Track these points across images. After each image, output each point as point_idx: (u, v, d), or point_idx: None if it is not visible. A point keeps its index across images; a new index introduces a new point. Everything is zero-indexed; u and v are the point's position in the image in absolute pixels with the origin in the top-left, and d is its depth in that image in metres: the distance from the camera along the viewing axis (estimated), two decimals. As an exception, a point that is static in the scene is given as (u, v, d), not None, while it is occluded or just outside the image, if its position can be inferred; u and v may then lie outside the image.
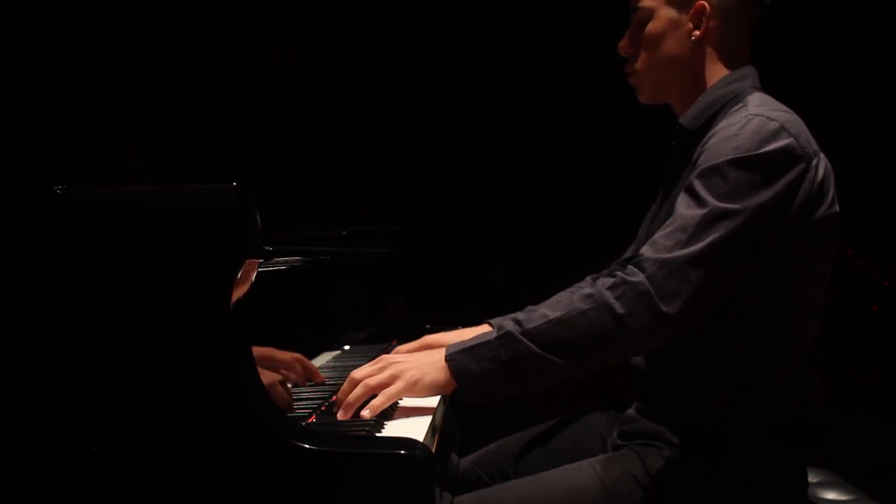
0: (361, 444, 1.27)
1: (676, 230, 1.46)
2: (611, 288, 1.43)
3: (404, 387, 1.45)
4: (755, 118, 1.53)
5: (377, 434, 1.38)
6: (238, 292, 1.27)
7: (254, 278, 1.32)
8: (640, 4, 1.71)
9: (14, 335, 1.27)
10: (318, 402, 1.62)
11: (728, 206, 1.45)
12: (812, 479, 1.84)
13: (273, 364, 1.74)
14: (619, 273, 1.46)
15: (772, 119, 1.52)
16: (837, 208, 1.58)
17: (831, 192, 1.57)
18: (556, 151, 3.93)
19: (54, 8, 1.77)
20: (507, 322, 1.47)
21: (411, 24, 3.87)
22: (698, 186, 1.49)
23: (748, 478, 1.56)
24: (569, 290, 1.53)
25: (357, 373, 1.50)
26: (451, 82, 3.94)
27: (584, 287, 1.48)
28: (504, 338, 1.44)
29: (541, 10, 3.82)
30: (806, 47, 4.04)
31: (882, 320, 4.31)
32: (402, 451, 1.21)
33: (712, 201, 1.46)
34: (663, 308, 1.40)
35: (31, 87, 1.76)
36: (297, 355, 1.77)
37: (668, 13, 1.68)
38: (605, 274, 2.02)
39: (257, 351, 1.66)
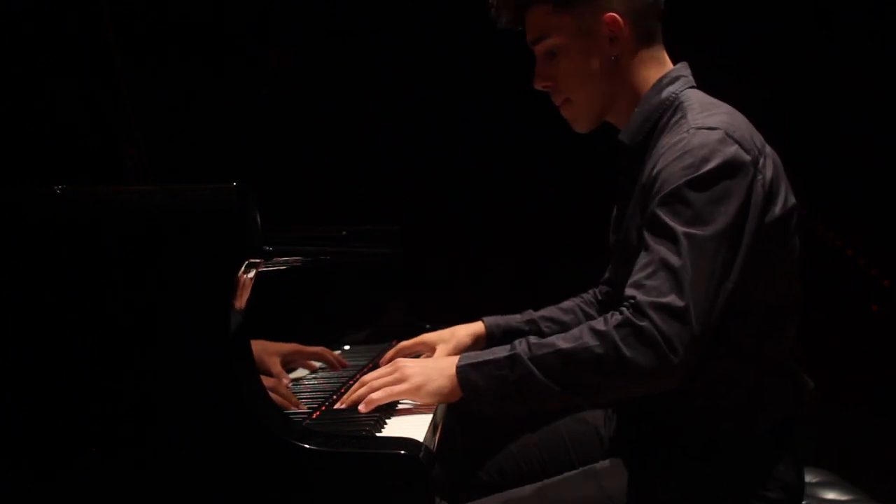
0: (361, 444, 1.27)
1: (660, 269, 1.40)
2: (618, 327, 1.39)
3: (408, 389, 1.49)
4: (698, 132, 1.48)
5: (377, 434, 1.38)
6: (238, 292, 1.27)
7: (254, 278, 1.32)
8: (544, 36, 1.63)
9: (14, 335, 1.27)
10: (319, 401, 1.63)
11: (699, 231, 1.41)
12: (812, 479, 1.84)
13: (302, 357, 1.90)
14: (626, 312, 1.40)
15: (714, 128, 1.48)
16: (794, 199, 1.55)
17: (784, 185, 1.55)
18: (556, 151, 3.92)
19: (54, 8, 1.77)
20: (520, 344, 1.46)
21: (411, 25, 3.86)
22: (664, 217, 1.44)
23: (746, 479, 1.56)
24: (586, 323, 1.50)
25: (368, 376, 1.55)
26: (452, 82, 3.94)
27: (595, 322, 1.44)
28: (512, 359, 1.44)
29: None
30: (809, 48, 4.04)
31: (882, 320, 4.31)
32: (403, 452, 1.21)
33: (682, 230, 1.41)
34: (670, 356, 1.36)
35: (31, 87, 1.76)
36: (321, 348, 1.93)
37: (577, 35, 1.61)
38: (599, 292, 2.03)
39: (284, 346, 1.79)
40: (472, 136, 3.99)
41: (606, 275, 2.02)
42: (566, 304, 2.04)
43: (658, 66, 1.65)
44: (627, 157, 1.67)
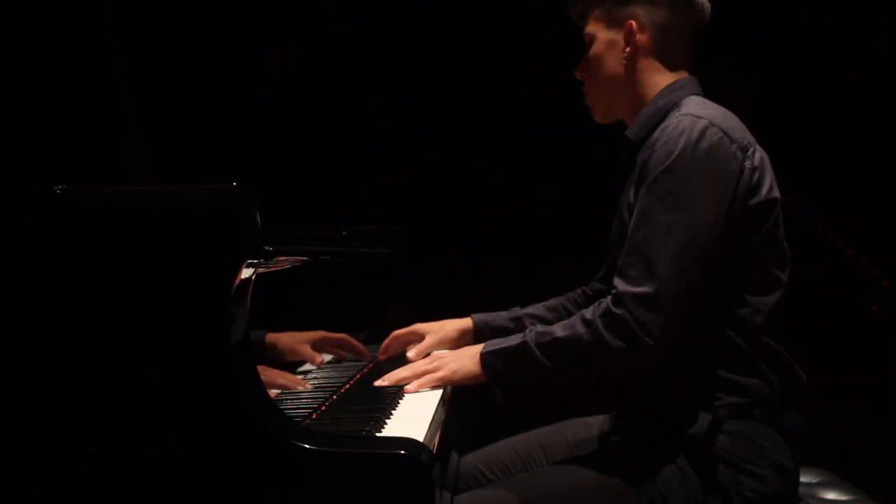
0: (361, 444, 1.27)
1: (638, 259, 1.55)
2: (602, 316, 1.56)
3: (445, 375, 1.67)
4: (685, 118, 1.61)
5: (377, 434, 1.38)
6: (238, 292, 1.27)
7: (254, 278, 1.32)
8: (585, 31, 1.82)
9: (14, 335, 1.27)
10: (319, 401, 1.63)
11: (675, 217, 1.54)
12: (812, 479, 1.84)
13: (327, 343, 2.06)
14: (607, 303, 1.57)
15: (700, 117, 1.60)
16: (777, 193, 1.65)
17: (769, 178, 1.65)
18: (556, 151, 3.92)
19: (54, 8, 1.77)
20: (529, 332, 1.64)
21: (411, 24, 3.86)
22: (645, 204, 1.58)
23: (736, 462, 1.58)
24: (580, 313, 1.64)
25: (409, 354, 1.87)
26: (452, 82, 3.94)
27: (586, 311, 1.60)
28: (522, 347, 1.63)
29: (541, 10, 3.82)
30: (806, 49, 4.04)
31: (882, 320, 4.31)
32: (403, 452, 1.21)
33: (660, 217, 1.55)
34: (646, 340, 1.53)
35: (31, 88, 1.76)
36: (344, 335, 2.09)
37: (605, 35, 1.79)
38: (594, 285, 2.10)
39: (311, 334, 1.96)
40: (472, 136, 3.98)
41: (601, 272, 2.06)
42: (551, 302, 2.13)
43: (670, 78, 1.78)
44: (630, 152, 1.78)
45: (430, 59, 3.90)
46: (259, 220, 1.27)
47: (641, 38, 1.75)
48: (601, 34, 1.79)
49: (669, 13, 1.74)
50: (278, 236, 1.43)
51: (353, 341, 2.11)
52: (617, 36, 1.77)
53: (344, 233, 2.29)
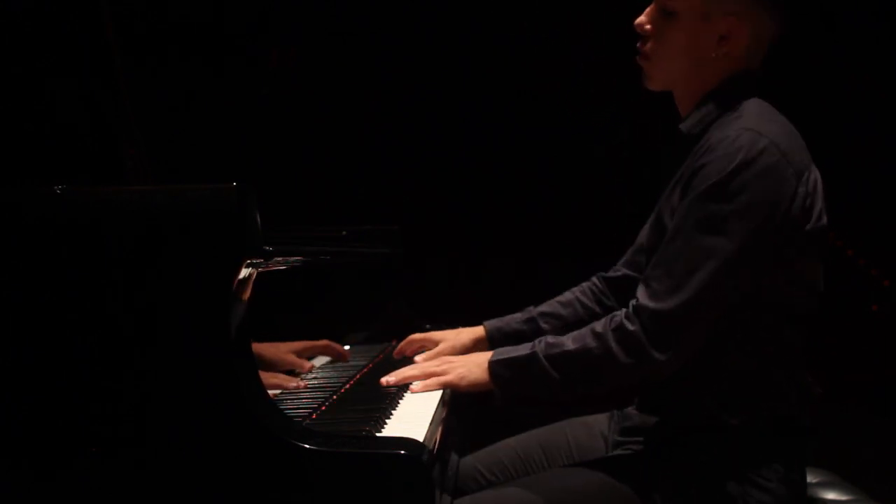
0: (361, 444, 1.27)
1: (665, 274, 1.52)
2: (614, 330, 1.54)
3: (452, 379, 1.67)
4: (745, 133, 1.52)
5: (377, 434, 1.38)
6: (238, 292, 1.27)
7: (254, 278, 1.32)
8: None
9: (14, 335, 1.27)
10: (319, 401, 1.63)
11: (713, 241, 1.49)
12: (812, 479, 1.84)
13: (312, 352, 2.05)
14: (620, 317, 1.55)
15: (762, 135, 1.51)
16: (825, 220, 1.60)
17: (819, 205, 1.59)
18: (556, 151, 3.93)
19: (54, 8, 1.77)
20: (539, 343, 1.62)
21: (411, 24, 3.86)
22: (685, 220, 1.52)
23: (746, 474, 1.57)
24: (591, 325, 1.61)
25: (417, 359, 1.84)
26: (452, 82, 3.94)
27: (597, 324, 1.58)
28: (531, 357, 1.61)
29: (541, 9, 3.82)
30: (812, 48, 4.04)
31: (882, 320, 4.31)
32: (403, 452, 1.21)
33: (696, 238, 1.50)
34: (656, 356, 1.51)
35: (31, 87, 1.76)
36: (326, 341, 2.07)
37: (694, 17, 1.63)
38: (610, 276, 2.06)
39: (294, 344, 1.96)
40: (472, 136, 3.98)
41: (626, 257, 2.04)
42: (565, 296, 2.08)
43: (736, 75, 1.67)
44: (681, 146, 1.69)
45: (430, 59, 3.90)
46: (259, 220, 1.27)
47: (735, 38, 1.62)
48: (688, 13, 1.63)
49: (771, 22, 1.64)
50: (278, 236, 1.43)
51: (335, 345, 2.09)
52: (707, 23, 1.62)
53: (344, 233, 2.28)
